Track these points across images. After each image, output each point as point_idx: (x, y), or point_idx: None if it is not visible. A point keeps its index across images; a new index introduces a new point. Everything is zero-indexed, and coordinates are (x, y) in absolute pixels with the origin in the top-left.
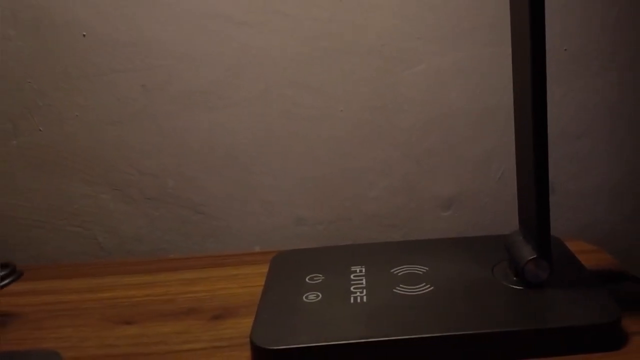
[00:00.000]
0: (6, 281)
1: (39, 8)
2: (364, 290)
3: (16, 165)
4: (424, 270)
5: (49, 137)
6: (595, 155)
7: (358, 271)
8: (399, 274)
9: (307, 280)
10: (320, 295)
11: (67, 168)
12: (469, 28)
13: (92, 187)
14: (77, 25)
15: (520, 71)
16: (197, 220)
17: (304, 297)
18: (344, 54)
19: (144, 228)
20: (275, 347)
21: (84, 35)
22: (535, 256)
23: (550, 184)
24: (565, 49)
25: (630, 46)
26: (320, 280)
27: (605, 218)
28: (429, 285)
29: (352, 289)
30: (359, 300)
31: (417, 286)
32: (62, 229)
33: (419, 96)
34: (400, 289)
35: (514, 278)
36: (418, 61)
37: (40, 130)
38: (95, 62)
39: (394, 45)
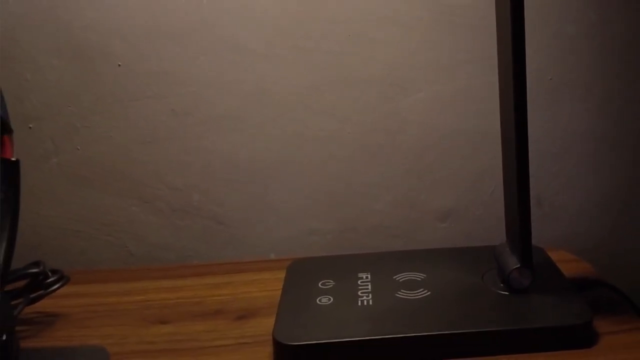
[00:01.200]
0: (56, 285)
1: (80, 41)
2: (370, 295)
3: (56, 181)
4: (423, 277)
5: (86, 155)
6: (578, 172)
7: (364, 277)
8: (401, 280)
9: (319, 285)
10: (332, 299)
11: (101, 183)
12: (463, 61)
13: (124, 200)
14: (113, 57)
15: (505, 99)
16: (218, 230)
17: (317, 300)
18: (351, 83)
19: (170, 237)
20: (295, 343)
21: (119, 65)
22: (519, 265)
23: (538, 198)
24: (550, 78)
25: (607, 77)
26: (331, 286)
27: (587, 230)
28: (426, 291)
29: (359, 293)
30: (365, 303)
31: (416, 291)
32: (96, 237)
33: (419, 120)
34: (402, 294)
35: (501, 284)
36: (418, 89)
37: (78, 149)
38: (129, 89)
39: (396, 75)
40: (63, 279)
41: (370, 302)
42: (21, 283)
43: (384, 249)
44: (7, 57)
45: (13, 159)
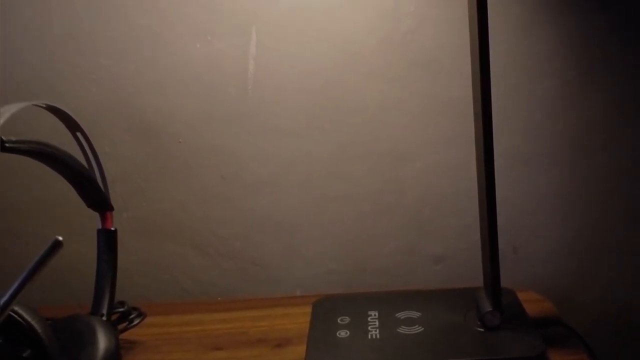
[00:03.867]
0: (137, 321)
1: (149, 122)
2: (377, 330)
3: (126, 231)
4: (418, 315)
5: (150, 211)
6: (547, 226)
7: (373, 315)
8: (401, 317)
9: (338, 321)
10: (348, 333)
11: (162, 233)
12: (452, 138)
13: (180, 247)
14: (175, 135)
15: (479, 169)
16: (255, 270)
17: (337, 334)
18: (364, 155)
19: (216, 276)
20: None
21: (180, 142)
22: (491, 309)
23: (514, 247)
24: (523, 153)
25: (570, 150)
26: (347, 322)
27: (553, 273)
28: (420, 327)
29: (369, 328)
30: (374, 336)
31: (413, 327)
32: (156, 277)
33: (418, 183)
34: (401, 329)
35: (478, 323)
36: (417, 159)
37: (144, 206)
38: (187, 160)
39: (399, 149)
40: (142, 315)
41: (378, 336)
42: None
43: (389, 287)
44: (91, 135)
45: (112, 228)
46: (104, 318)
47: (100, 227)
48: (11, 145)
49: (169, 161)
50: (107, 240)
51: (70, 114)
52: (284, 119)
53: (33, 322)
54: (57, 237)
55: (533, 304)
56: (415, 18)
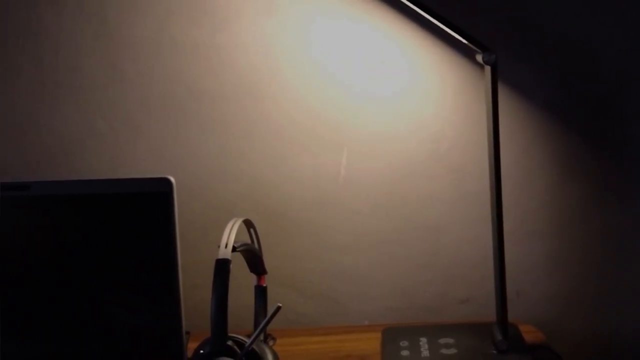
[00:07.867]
0: (272, 343)
1: (270, 208)
2: (427, 351)
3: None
4: (452, 341)
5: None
6: (540, 278)
7: (423, 340)
8: (441, 343)
9: (400, 344)
10: (408, 352)
11: (274, 280)
12: (474, 218)
13: (285, 289)
14: (286, 215)
15: (494, 239)
16: (336, 306)
17: (401, 352)
18: (413, 229)
19: (309, 310)
20: None
21: (289, 219)
22: (501, 338)
23: (517, 291)
24: (523, 229)
25: (556, 226)
26: (406, 345)
27: (546, 312)
28: (455, 349)
29: (421, 349)
30: (425, 356)
31: (450, 349)
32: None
33: (450, 248)
34: (443, 351)
35: (493, 347)
36: (449, 232)
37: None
38: (293, 231)
39: (437, 225)
40: (274, 339)
41: (428, 355)
42: None
43: (429, 320)
44: (231, 216)
45: (264, 285)
46: (263, 341)
47: (256, 284)
48: (238, 249)
49: (280, 232)
50: (261, 293)
51: (252, 221)
52: (361, 204)
53: (259, 351)
54: (278, 304)
55: (530, 334)
56: (452, 140)
